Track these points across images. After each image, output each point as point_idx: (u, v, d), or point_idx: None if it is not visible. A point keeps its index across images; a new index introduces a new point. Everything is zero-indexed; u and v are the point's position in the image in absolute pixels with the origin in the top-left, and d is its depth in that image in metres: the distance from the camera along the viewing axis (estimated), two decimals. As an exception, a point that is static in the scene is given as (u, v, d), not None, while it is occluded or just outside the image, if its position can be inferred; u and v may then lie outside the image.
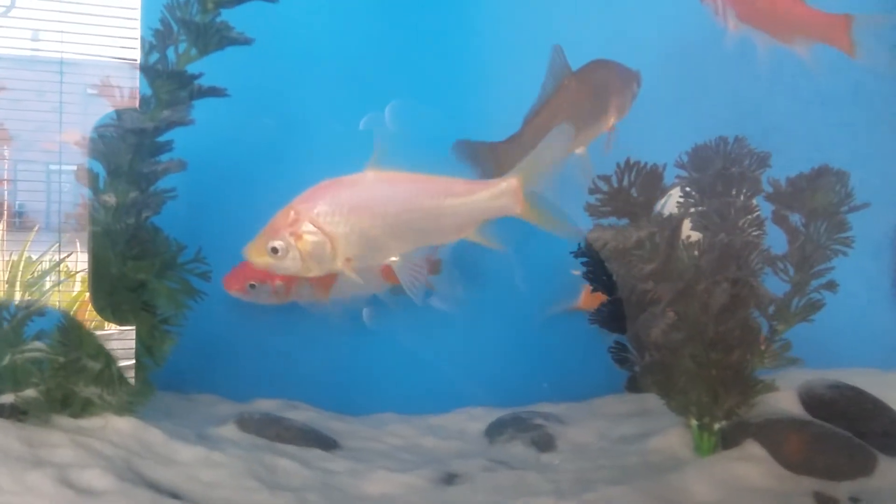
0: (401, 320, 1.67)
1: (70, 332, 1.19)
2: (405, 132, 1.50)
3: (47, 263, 1.33)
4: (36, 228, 1.36)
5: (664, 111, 1.77)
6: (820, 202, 1.48)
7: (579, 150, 1.58)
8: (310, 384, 1.62)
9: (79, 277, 1.33)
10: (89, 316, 1.29)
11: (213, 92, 1.32)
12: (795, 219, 1.53)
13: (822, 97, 1.82)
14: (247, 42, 1.32)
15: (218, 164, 1.54)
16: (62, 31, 1.24)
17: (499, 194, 1.27)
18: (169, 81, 1.27)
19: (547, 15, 1.74)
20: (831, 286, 1.48)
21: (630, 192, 1.37)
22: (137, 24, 1.29)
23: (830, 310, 1.50)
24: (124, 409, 1.21)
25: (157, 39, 1.27)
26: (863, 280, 1.80)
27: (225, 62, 1.32)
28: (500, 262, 1.74)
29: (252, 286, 1.50)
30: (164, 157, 1.30)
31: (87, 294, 1.29)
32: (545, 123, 1.54)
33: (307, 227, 1.17)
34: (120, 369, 1.16)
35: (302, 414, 1.56)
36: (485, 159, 1.55)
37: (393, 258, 1.24)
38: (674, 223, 1.39)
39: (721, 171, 1.51)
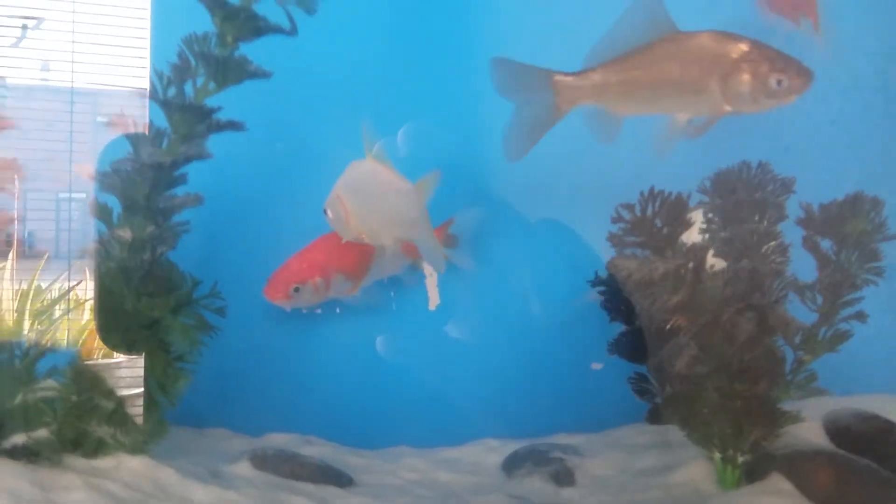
0: (414, 349, 1.67)
1: (82, 370, 1.17)
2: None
3: (56, 292, 1.32)
4: (46, 257, 1.35)
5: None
6: (853, 230, 1.46)
7: (680, 116, 1.41)
8: (324, 417, 1.60)
9: (87, 306, 1.32)
10: (97, 345, 1.30)
11: (232, 126, 1.30)
12: (826, 245, 1.51)
13: (834, 117, 1.78)
14: (265, 75, 1.31)
15: (232, 195, 1.53)
16: (72, 61, 1.22)
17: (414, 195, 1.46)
18: (187, 115, 1.25)
19: (558, 42, 1.70)
20: (861, 317, 1.46)
21: (654, 222, 1.35)
22: (147, 53, 1.27)
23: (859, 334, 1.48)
24: (137, 449, 1.19)
25: (175, 73, 1.25)
26: (879, 303, 1.77)
27: (239, 93, 1.30)
28: (516, 289, 1.74)
29: (296, 289, 1.52)
30: (181, 191, 1.28)
31: (95, 324, 1.29)
32: (627, 70, 1.40)
33: (335, 199, 1.45)
34: (132, 409, 1.14)
35: (316, 449, 1.53)
36: (539, 84, 1.43)
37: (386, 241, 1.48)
38: (699, 254, 1.37)
39: (744, 196, 1.49)
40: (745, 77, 1.35)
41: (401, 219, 1.49)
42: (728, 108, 1.38)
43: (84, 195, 1.33)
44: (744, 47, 1.35)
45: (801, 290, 1.45)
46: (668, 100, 1.43)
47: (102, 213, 1.22)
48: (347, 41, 1.65)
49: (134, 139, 1.26)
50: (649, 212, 1.34)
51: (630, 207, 1.34)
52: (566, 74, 1.45)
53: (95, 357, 1.27)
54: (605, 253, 1.69)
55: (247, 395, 1.58)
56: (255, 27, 1.26)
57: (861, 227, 1.45)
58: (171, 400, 1.24)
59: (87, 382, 1.14)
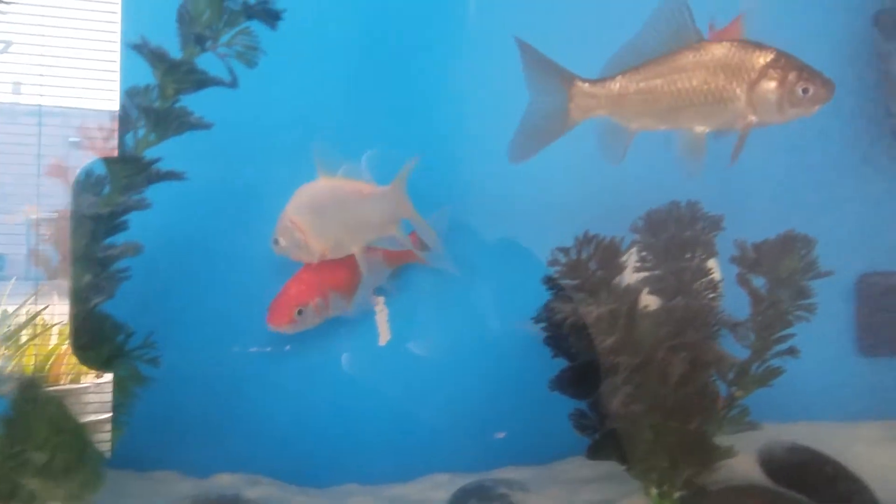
0: (363, 384, 1.68)
1: (17, 422, 1.16)
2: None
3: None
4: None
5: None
6: (785, 268, 1.50)
7: (698, 129, 1.39)
8: (272, 455, 1.59)
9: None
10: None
11: (171, 176, 1.32)
12: (759, 283, 1.55)
13: (791, 143, 1.82)
14: (206, 127, 1.33)
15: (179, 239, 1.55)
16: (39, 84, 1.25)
17: (387, 197, 1.58)
18: (126, 166, 1.27)
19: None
20: (793, 352, 1.50)
21: (589, 265, 1.38)
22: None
23: (794, 361, 1.50)
24: (74, 500, 1.18)
25: (118, 125, 1.27)
26: (828, 330, 1.81)
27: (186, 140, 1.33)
28: (461, 319, 1.77)
29: (300, 312, 1.55)
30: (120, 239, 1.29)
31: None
32: (649, 78, 1.37)
33: (288, 224, 1.52)
34: (67, 460, 1.15)
35: (262, 490, 1.53)
36: (557, 85, 1.40)
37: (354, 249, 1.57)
38: (633, 295, 1.40)
39: (675, 234, 1.53)
40: (773, 85, 1.35)
41: (369, 222, 1.58)
42: (753, 118, 1.37)
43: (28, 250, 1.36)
44: (770, 55, 1.36)
45: (734, 327, 1.50)
46: (690, 111, 1.39)
47: (39, 261, 1.23)
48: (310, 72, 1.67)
49: (75, 188, 1.28)
50: (584, 255, 1.39)
51: (566, 251, 1.38)
52: (585, 80, 1.41)
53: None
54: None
55: (193, 436, 1.58)
56: (196, 80, 1.28)
57: (793, 266, 1.49)
58: (105, 452, 1.23)
59: (21, 434, 1.14)
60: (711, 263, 1.57)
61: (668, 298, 1.53)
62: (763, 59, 1.35)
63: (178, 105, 1.30)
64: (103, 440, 1.22)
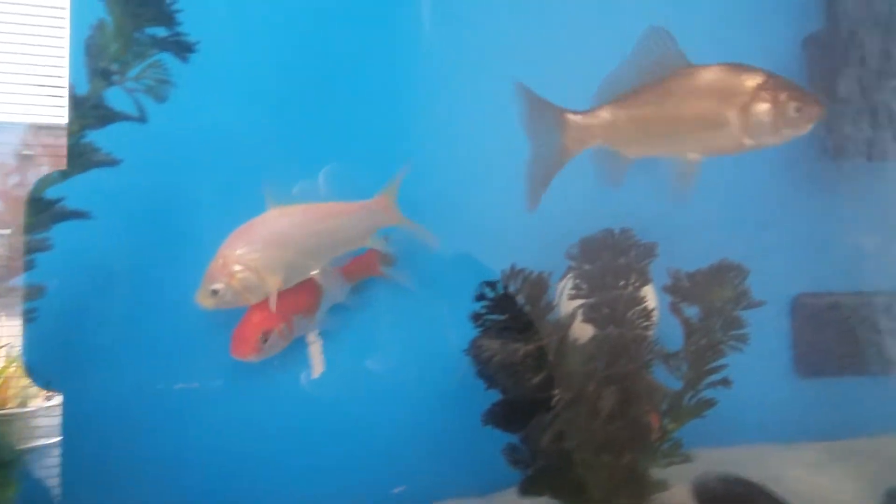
0: (295, 420, 1.64)
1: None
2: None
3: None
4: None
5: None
6: (717, 297, 1.49)
7: (691, 156, 1.39)
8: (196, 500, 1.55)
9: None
10: None
11: (76, 215, 1.28)
12: (693, 312, 1.54)
13: (729, 162, 1.81)
14: (112, 163, 1.28)
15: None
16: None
17: (375, 210, 1.58)
18: (29, 206, 1.22)
19: (485, 86, 1.70)
20: (726, 383, 1.49)
21: (516, 300, 1.36)
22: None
23: (734, 383, 1.49)
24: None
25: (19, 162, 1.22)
26: (766, 351, 1.81)
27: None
28: (394, 347, 1.73)
29: (265, 339, 1.51)
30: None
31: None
32: (640, 106, 1.39)
33: (235, 267, 1.45)
34: None
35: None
36: (549, 122, 1.41)
37: (314, 272, 1.55)
38: (562, 330, 1.38)
39: (608, 262, 1.51)
40: (766, 106, 1.34)
41: (345, 239, 1.56)
42: (748, 140, 1.36)
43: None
44: (760, 77, 1.35)
45: (667, 358, 1.48)
46: (683, 136, 1.40)
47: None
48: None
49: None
50: (511, 290, 1.36)
51: (492, 285, 1.35)
52: (576, 113, 1.42)
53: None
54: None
55: (115, 480, 1.53)
56: (101, 115, 1.24)
57: (725, 295, 1.48)
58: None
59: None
60: (646, 291, 1.56)
61: (602, 328, 1.53)
62: (753, 81, 1.35)
63: (84, 140, 1.25)
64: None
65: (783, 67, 1.73)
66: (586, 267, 1.56)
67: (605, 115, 1.40)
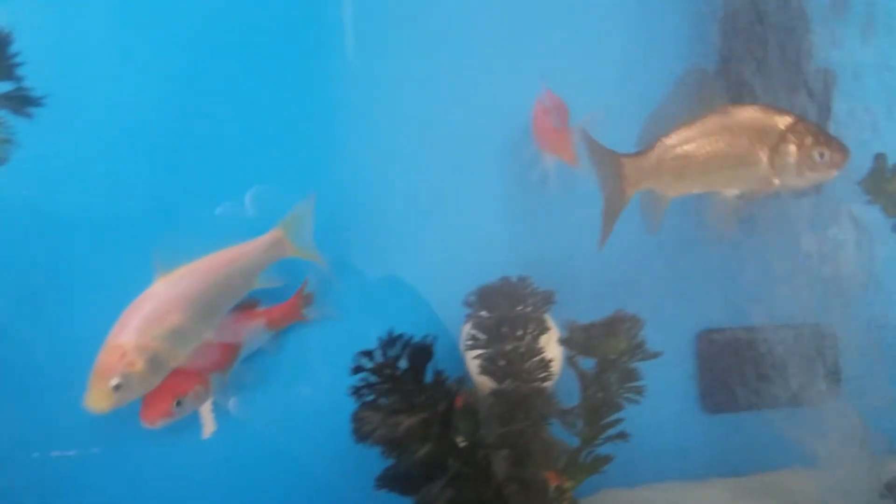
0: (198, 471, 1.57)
1: None
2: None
3: None
4: None
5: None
6: (612, 349, 1.44)
7: (729, 192, 1.45)
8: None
9: None
10: None
11: None
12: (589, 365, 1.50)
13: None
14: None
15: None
16: None
17: (270, 244, 1.52)
18: None
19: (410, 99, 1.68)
20: (623, 436, 1.45)
21: (396, 365, 1.28)
22: None
23: (638, 421, 1.47)
24: None
25: None
26: (672, 388, 1.80)
27: None
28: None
29: (178, 403, 1.43)
30: None
31: None
32: (683, 145, 1.42)
33: (132, 354, 1.34)
34: None
35: None
36: (608, 166, 1.45)
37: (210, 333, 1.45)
38: (450, 398, 1.31)
39: (505, 311, 1.46)
40: (792, 148, 1.39)
41: (232, 289, 1.47)
42: (776, 180, 1.41)
43: None
44: (789, 119, 1.41)
45: (562, 415, 1.44)
46: (719, 174, 1.44)
47: None
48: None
49: None
50: (390, 356, 1.28)
51: (369, 354, 1.27)
52: (628, 156, 1.45)
53: None
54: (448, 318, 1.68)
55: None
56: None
57: (620, 347, 1.45)
58: None
59: None
60: (547, 340, 1.52)
61: (499, 381, 1.47)
62: (783, 123, 1.41)
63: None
64: None
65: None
66: (482, 317, 1.52)
67: (653, 155, 1.44)
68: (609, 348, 1.43)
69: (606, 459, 1.42)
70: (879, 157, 1.67)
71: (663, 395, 1.76)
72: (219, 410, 1.59)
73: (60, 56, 1.48)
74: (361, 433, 1.25)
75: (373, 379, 1.26)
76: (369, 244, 1.68)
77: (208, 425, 1.60)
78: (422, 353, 1.28)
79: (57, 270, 1.52)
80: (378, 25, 1.68)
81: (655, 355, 1.43)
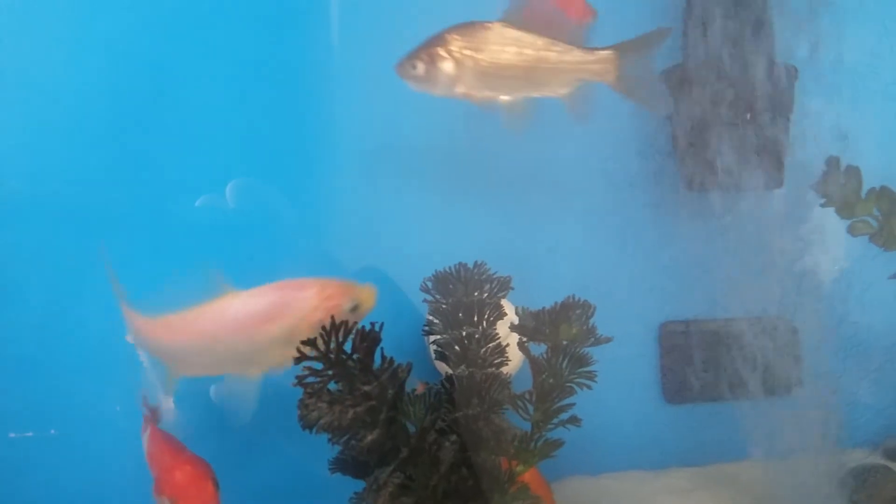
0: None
1: None
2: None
3: None
4: None
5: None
6: (564, 335, 1.45)
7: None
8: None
9: None
10: None
11: None
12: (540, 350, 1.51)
13: (589, 193, 1.80)
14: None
15: None
16: None
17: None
18: None
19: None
20: (575, 421, 1.45)
21: (341, 352, 1.29)
22: None
23: (599, 410, 1.48)
24: None
25: None
26: (635, 378, 1.81)
27: None
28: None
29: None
30: None
31: None
32: None
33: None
34: None
35: None
36: None
37: None
38: (398, 383, 1.32)
39: (460, 297, 1.47)
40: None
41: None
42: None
43: None
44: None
45: (513, 400, 1.45)
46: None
47: None
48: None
49: None
50: (333, 345, 1.28)
51: (313, 343, 1.27)
52: None
53: None
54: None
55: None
56: None
57: (571, 333, 1.45)
58: None
59: None
60: (500, 326, 1.53)
61: (454, 367, 1.48)
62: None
63: None
64: None
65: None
66: (438, 303, 1.53)
67: None
68: (560, 334, 1.44)
69: (557, 444, 1.42)
70: (831, 161, 1.70)
71: (627, 386, 1.79)
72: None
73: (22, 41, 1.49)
74: (307, 420, 1.25)
75: (318, 366, 1.28)
76: (349, 236, 1.70)
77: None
78: (368, 339, 1.29)
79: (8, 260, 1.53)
80: (362, 17, 1.69)
81: (607, 340, 1.43)
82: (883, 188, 1.70)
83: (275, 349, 1.40)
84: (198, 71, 1.61)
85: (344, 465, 1.47)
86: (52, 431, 1.53)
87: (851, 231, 1.71)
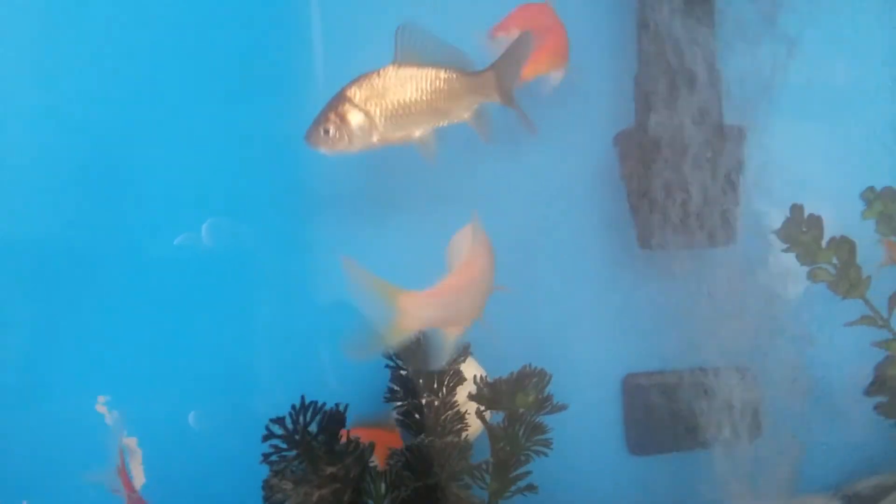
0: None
1: None
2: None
3: None
4: None
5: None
6: (521, 403, 1.51)
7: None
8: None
9: None
10: None
11: None
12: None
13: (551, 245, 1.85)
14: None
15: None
16: None
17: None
18: None
19: None
20: (532, 488, 1.52)
21: (307, 432, 1.35)
22: None
23: (566, 462, 1.57)
24: None
25: None
26: (599, 431, 1.86)
27: None
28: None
29: None
30: None
31: None
32: None
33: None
34: None
35: None
36: None
37: None
38: (360, 465, 1.38)
39: (420, 365, 1.51)
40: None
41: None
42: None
43: None
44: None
45: (472, 471, 1.51)
46: None
47: None
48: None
49: None
50: (301, 423, 1.35)
51: (281, 422, 1.34)
52: None
53: None
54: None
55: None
56: None
57: (527, 401, 1.51)
58: None
59: None
60: (459, 392, 1.58)
61: (414, 435, 1.54)
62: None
63: None
64: None
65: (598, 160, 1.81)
66: (399, 370, 1.58)
67: None
68: (517, 402, 1.50)
69: (516, 514, 1.48)
70: (795, 208, 1.75)
71: (591, 439, 1.84)
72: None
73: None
74: (272, 502, 1.33)
75: (283, 446, 1.34)
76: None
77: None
78: (334, 420, 1.35)
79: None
80: (345, 45, 1.70)
81: (562, 408, 1.49)
82: (843, 238, 1.75)
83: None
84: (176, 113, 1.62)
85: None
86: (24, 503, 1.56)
87: (812, 277, 1.76)
